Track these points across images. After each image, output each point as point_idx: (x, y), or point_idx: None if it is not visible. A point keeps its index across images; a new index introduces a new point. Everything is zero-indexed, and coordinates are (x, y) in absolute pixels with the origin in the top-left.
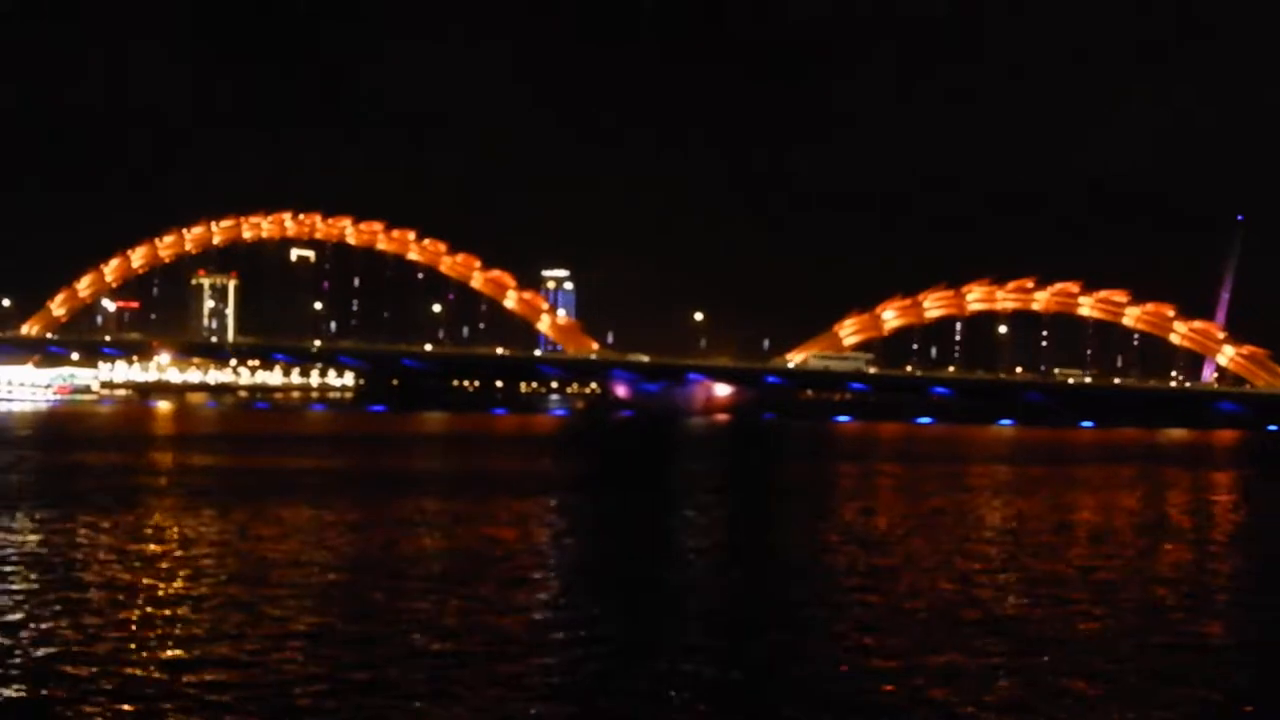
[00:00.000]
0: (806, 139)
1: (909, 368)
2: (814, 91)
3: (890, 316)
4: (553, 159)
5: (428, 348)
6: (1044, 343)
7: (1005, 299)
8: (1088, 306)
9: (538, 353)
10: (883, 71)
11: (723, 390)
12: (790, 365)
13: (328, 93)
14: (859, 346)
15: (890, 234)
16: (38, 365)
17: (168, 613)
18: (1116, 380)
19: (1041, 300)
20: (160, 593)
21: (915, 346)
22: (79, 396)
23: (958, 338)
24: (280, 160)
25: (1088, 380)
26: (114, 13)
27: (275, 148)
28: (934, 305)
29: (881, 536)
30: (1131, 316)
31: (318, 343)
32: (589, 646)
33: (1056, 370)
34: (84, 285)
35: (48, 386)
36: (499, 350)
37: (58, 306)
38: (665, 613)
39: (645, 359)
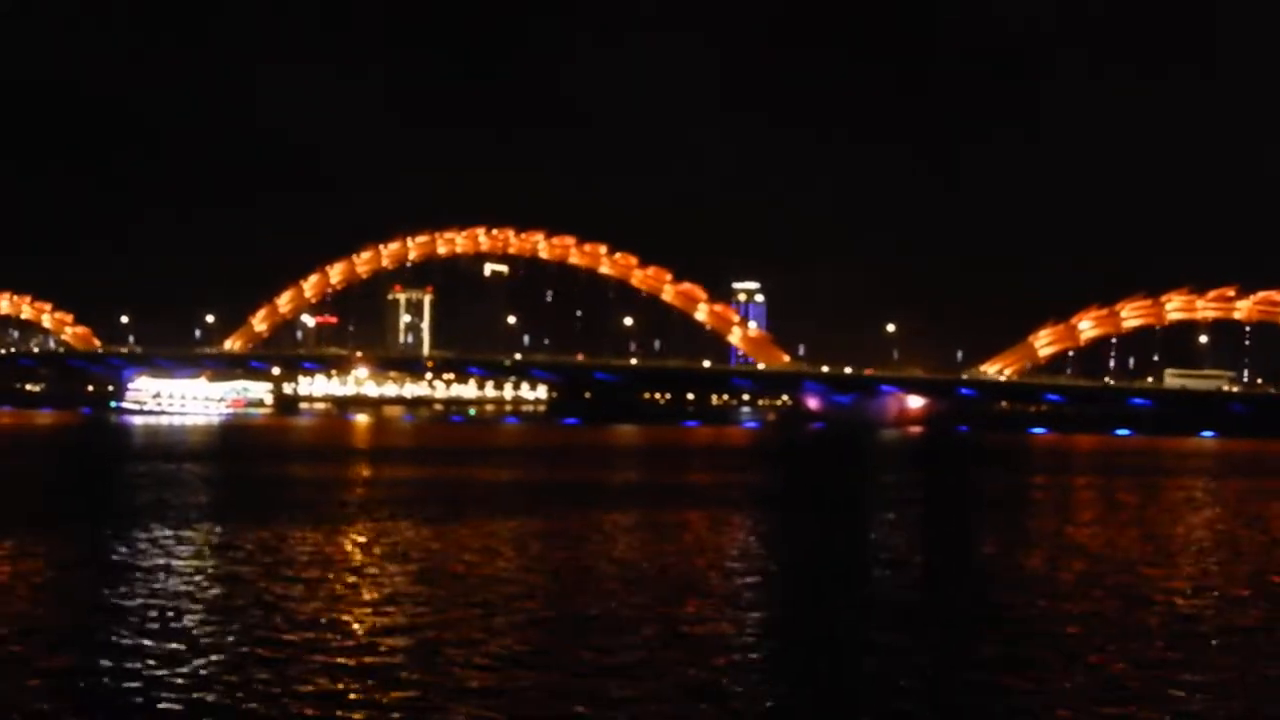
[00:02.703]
0: (996, 145)
1: (1106, 379)
2: (1001, 97)
3: (1086, 327)
4: (742, 170)
5: (619, 361)
6: (1247, 352)
7: (1205, 308)
8: None
9: (727, 365)
10: (1074, 75)
11: (915, 402)
12: (1002, 377)
13: (513, 100)
14: (1054, 357)
15: (1083, 243)
16: (211, 379)
17: (374, 620)
18: None
19: (1244, 309)
20: (366, 601)
21: (1113, 357)
22: (252, 410)
23: (1156, 348)
24: (455, 170)
25: None
26: (278, 30)
27: (453, 158)
28: (1132, 315)
29: (1080, 550)
30: None
31: (514, 356)
32: (792, 663)
33: None
34: (284, 301)
35: (221, 400)
36: (692, 363)
37: (259, 322)
38: (868, 626)
39: (839, 371)
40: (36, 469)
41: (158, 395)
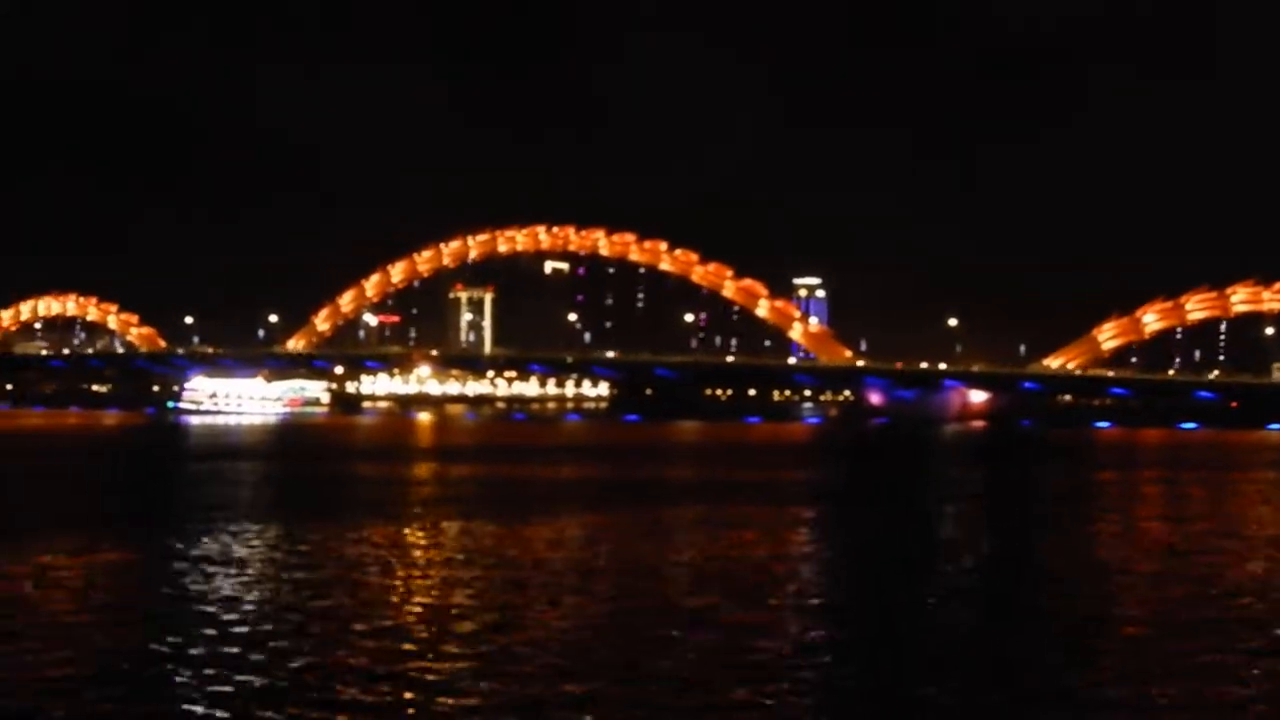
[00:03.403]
0: (1052, 137)
1: (1171, 371)
2: (1054, 89)
3: (1151, 320)
4: (801, 166)
5: (680, 358)
6: None
7: (1272, 299)
8: None
9: (791, 361)
10: (1111, 78)
11: (978, 396)
12: (1056, 366)
13: (559, 97)
14: (1118, 351)
15: (1145, 236)
16: (268, 379)
17: (441, 619)
18: None
19: None
20: (432, 600)
21: (1177, 351)
22: (309, 409)
23: (1222, 340)
24: (510, 169)
25: None
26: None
27: (506, 156)
28: (1196, 307)
29: (1148, 546)
30: None
31: (575, 353)
32: (856, 658)
33: None
34: (346, 301)
35: (278, 399)
36: (753, 359)
37: (321, 322)
38: (932, 621)
39: (901, 366)
40: (101, 469)
41: (214, 395)
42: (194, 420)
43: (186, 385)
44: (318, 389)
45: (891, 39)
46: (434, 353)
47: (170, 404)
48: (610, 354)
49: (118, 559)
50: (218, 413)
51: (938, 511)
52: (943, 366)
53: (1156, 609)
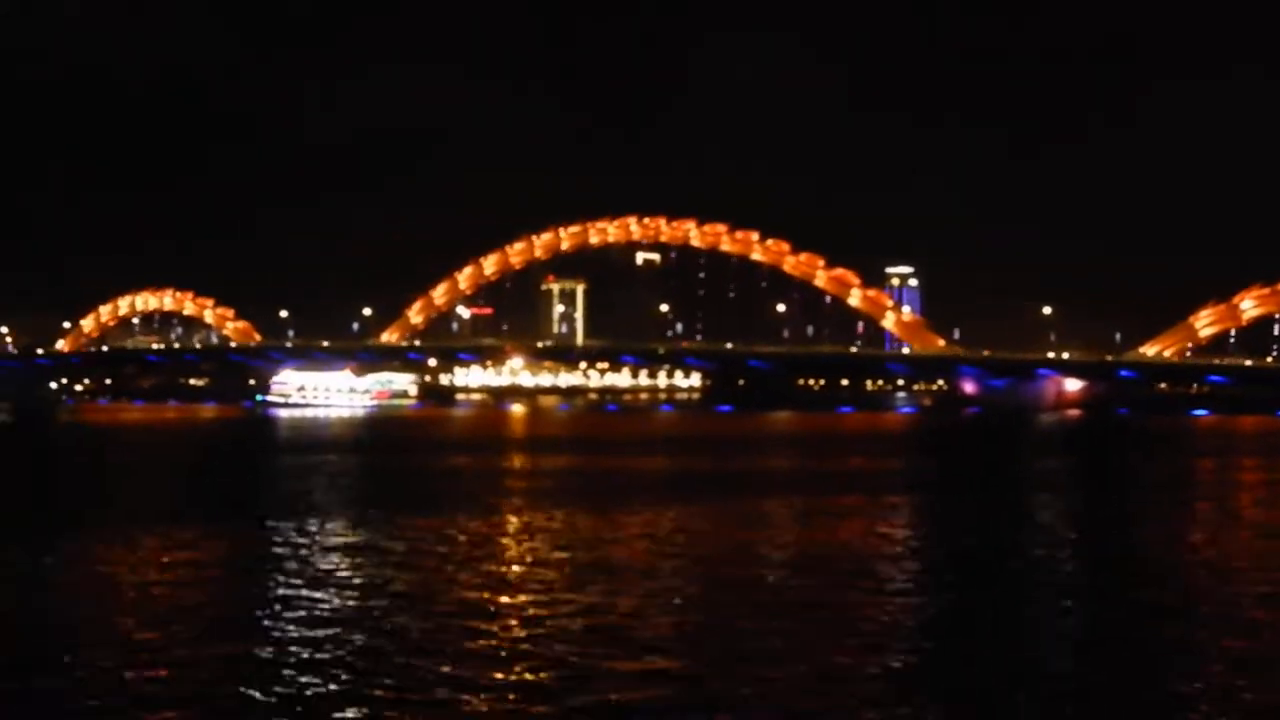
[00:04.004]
0: (1143, 129)
1: (1269, 358)
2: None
3: (1249, 306)
4: (893, 156)
5: (772, 348)
6: None
7: None
8: None
9: (884, 350)
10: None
11: (1073, 385)
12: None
13: (638, 93)
14: (1215, 338)
15: (1241, 222)
16: (357, 372)
17: (539, 607)
18: None
19: None
20: (532, 588)
21: (1277, 336)
22: (397, 401)
23: None
24: (599, 164)
25: None
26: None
27: (594, 153)
28: None
29: (1249, 533)
30: None
31: (667, 345)
32: (955, 646)
33: None
34: (439, 293)
35: (366, 392)
36: (845, 349)
37: (415, 314)
38: (1028, 611)
39: (995, 354)
40: (200, 461)
41: (302, 388)
42: (283, 413)
43: (275, 379)
44: (405, 382)
45: (963, 36)
46: (540, 344)
47: (259, 397)
48: (702, 345)
49: (228, 549)
50: (306, 406)
51: (1033, 500)
52: (1037, 355)
53: (1256, 597)
